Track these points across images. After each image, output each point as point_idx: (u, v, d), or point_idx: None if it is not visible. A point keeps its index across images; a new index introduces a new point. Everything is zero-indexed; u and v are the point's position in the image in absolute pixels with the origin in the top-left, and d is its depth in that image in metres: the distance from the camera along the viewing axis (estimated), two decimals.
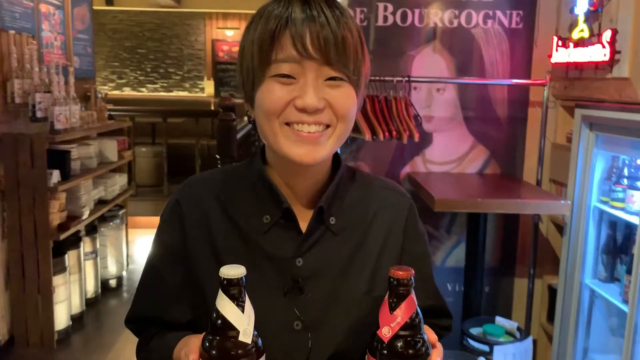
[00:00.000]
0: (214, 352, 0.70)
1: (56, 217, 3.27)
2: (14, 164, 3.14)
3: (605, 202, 2.37)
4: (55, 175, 3.22)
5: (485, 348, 2.42)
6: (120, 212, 4.32)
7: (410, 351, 0.73)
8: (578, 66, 2.49)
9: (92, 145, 3.82)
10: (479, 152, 2.88)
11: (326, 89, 0.85)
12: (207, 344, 0.71)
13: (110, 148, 4.10)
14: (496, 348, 2.39)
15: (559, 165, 2.74)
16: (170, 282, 0.95)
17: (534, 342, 2.73)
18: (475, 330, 2.55)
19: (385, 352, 0.73)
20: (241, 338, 0.70)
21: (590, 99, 2.43)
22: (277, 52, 0.83)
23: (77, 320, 3.59)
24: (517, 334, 2.54)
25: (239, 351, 0.70)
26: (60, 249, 3.36)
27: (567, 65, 2.57)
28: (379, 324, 0.75)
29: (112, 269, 4.22)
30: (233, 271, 0.70)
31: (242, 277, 0.71)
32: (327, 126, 0.87)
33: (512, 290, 2.99)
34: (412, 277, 0.74)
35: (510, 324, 2.58)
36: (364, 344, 0.86)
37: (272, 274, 0.90)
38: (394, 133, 2.48)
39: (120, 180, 4.30)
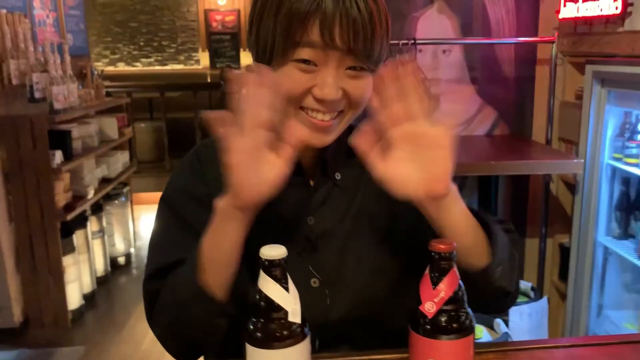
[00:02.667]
0: (263, 335, 0.68)
1: (61, 197, 3.24)
2: (16, 146, 3.10)
3: (618, 159, 2.34)
4: (58, 156, 3.19)
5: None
6: (125, 190, 4.30)
7: (455, 325, 0.72)
8: (587, 21, 2.43)
9: (92, 123, 3.77)
10: (487, 113, 2.85)
11: (346, 78, 0.84)
12: (253, 327, 0.69)
13: (110, 126, 4.05)
14: (511, 309, 2.40)
15: (568, 123, 2.70)
16: (195, 221, 0.89)
17: (547, 300, 2.74)
18: None
19: (429, 327, 0.72)
20: (290, 318, 0.69)
21: (601, 54, 2.37)
22: (302, 35, 0.80)
23: (89, 299, 3.61)
24: (532, 294, 2.55)
25: (291, 331, 0.69)
26: (68, 230, 3.35)
27: (576, 21, 2.51)
28: (419, 298, 0.73)
29: (119, 246, 4.22)
30: (274, 252, 0.68)
31: (283, 257, 0.68)
32: (339, 111, 0.87)
33: (523, 250, 2.99)
34: (454, 251, 0.72)
35: (524, 284, 2.59)
36: (382, 295, 0.93)
37: (284, 233, 0.88)
38: None
39: (122, 158, 4.26)
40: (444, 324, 0.72)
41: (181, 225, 0.93)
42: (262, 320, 0.69)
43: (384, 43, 0.86)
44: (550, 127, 2.75)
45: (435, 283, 0.72)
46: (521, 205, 2.96)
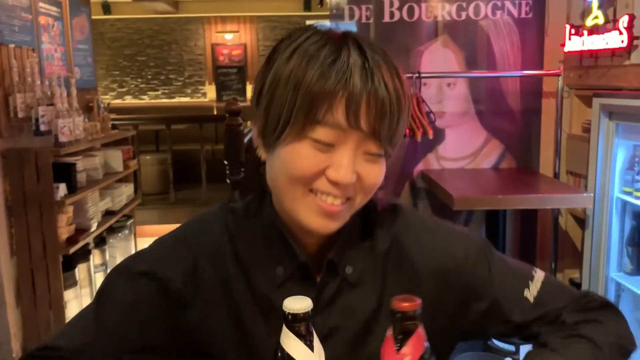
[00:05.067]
0: None
1: (64, 231, 3.21)
2: (20, 179, 3.08)
3: (628, 193, 2.30)
4: (62, 189, 3.17)
5: (511, 348, 2.35)
6: (129, 222, 4.26)
7: None
8: (593, 54, 2.42)
9: (97, 156, 3.76)
10: (493, 146, 2.82)
11: (362, 162, 0.76)
12: None
13: (115, 158, 4.04)
14: (522, 348, 2.33)
15: (576, 156, 2.67)
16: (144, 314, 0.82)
17: None
18: None
19: None
20: None
21: (608, 87, 2.36)
22: (325, 114, 0.72)
23: None
24: None
25: None
26: (70, 263, 3.31)
27: (581, 54, 2.51)
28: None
29: None
30: (298, 305, 0.63)
31: (308, 311, 0.63)
32: (348, 198, 0.79)
33: None
34: (419, 308, 0.64)
35: None
36: None
37: None
38: (407, 131, 2.42)
39: (126, 190, 4.24)
40: None
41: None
42: None
43: (405, 126, 0.79)
44: (558, 160, 2.72)
45: (399, 346, 0.63)
46: (530, 240, 2.91)
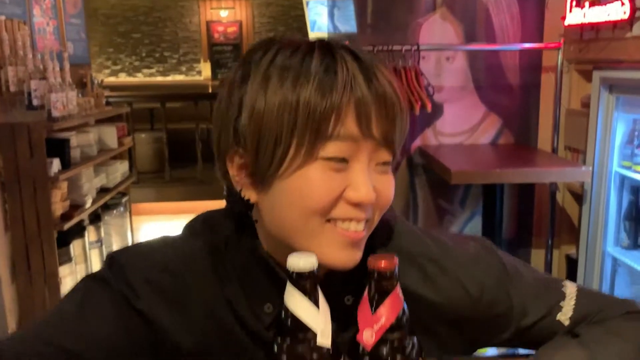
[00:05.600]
0: (288, 358, 0.60)
1: (59, 206, 3.19)
2: (13, 154, 3.04)
3: (627, 167, 2.29)
4: (56, 164, 3.14)
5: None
6: (124, 200, 4.24)
7: (399, 358, 0.60)
8: (594, 27, 2.39)
9: (91, 132, 3.71)
10: (491, 121, 2.80)
11: (375, 175, 0.69)
12: (278, 349, 0.61)
13: (110, 135, 4.00)
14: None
15: (575, 131, 2.65)
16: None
17: None
18: None
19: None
20: (319, 340, 0.59)
21: (609, 60, 2.33)
22: (335, 126, 0.64)
23: None
24: None
25: (320, 355, 0.59)
26: (65, 239, 3.29)
27: (582, 27, 2.47)
28: (357, 326, 0.62)
29: None
30: (303, 262, 0.59)
31: (314, 269, 0.60)
32: (367, 220, 0.70)
33: (529, 262, 2.92)
34: (396, 267, 0.61)
35: None
36: None
37: None
38: (406, 104, 2.39)
39: (121, 168, 4.21)
40: (385, 357, 0.60)
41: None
42: (287, 341, 0.60)
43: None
44: (557, 136, 2.70)
45: (374, 307, 0.60)
46: (527, 216, 2.90)
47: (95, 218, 3.80)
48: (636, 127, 2.28)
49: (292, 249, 0.66)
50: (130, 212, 4.48)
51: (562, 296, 0.80)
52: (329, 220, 0.67)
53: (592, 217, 2.44)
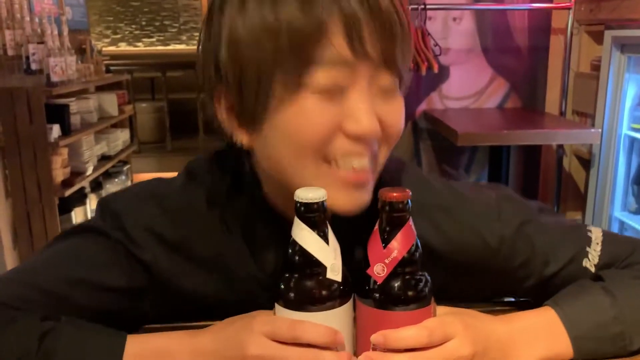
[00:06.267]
0: (296, 294, 0.57)
1: (59, 173, 3.17)
2: (12, 119, 3.01)
3: (637, 130, 2.25)
4: (56, 130, 3.10)
5: None
6: (125, 168, 4.22)
7: (411, 293, 0.58)
8: None
9: (91, 99, 3.68)
10: (498, 85, 2.75)
11: (379, 102, 0.61)
12: (285, 286, 0.58)
13: (110, 102, 3.96)
14: None
15: (583, 95, 2.60)
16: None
17: None
18: None
19: (379, 294, 0.57)
20: (329, 275, 0.57)
21: (621, 20, 2.27)
22: (322, 49, 0.57)
23: None
24: None
25: (330, 291, 0.57)
26: (66, 206, 3.28)
27: None
28: (367, 260, 0.58)
29: None
30: (311, 194, 0.56)
31: (323, 201, 0.56)
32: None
33: None
34: (409, 199, 0.57)
35: None
36: None
37: None
38: (412, 65, 2.34)
39: (122, 136, 4.17)
40: (397, 291, 0.57)
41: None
42: (295, 277, 0.58)
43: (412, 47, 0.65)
44: (565, 100, 2.65)
45: (386, 241, 0.57)
46: (533, 182, 2.87)
47: (97, 186, 3.79)
48: None
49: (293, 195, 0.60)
50: (132, 181, 4.46)
51: (588, 241, 0.74)
52: (328, 161, 0.62)
53: (600, 181, 2.41)
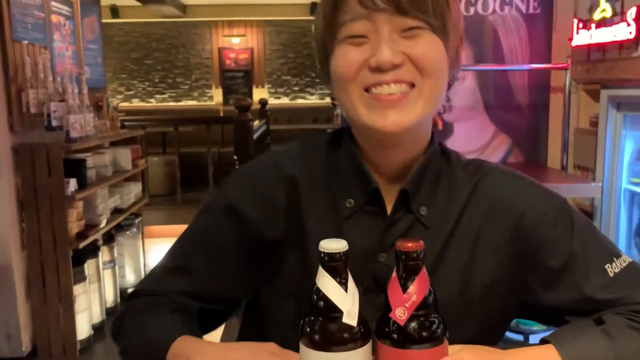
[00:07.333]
0: (315, 335, 0.64)
1: (74, 225, 3.23)
2: (31, 173, 3.11)
3: (636, 184, 2.32)
4: (73, 184, 3.20)
5: (520, 338, 2.36)
6: (137, 221, 4.28)
7: (429, 333, 0.65)
8: (601, 47, 2.44)
9: (107, 153, 3.79)
10: (501, 140, 2.84)
11: (403, 41, 0.75)
12: (307, 328, 0.65)
13: (125, 156, 4.08)
14: (532, 337, 2.33)
15: (583, 150, 2.69)
16: (229, 252, 0.88)
17: None
18: None
19: (401, 336, 0.64)
20: (345, 320, 0.63)
21: (616, 80, 2.38)
22: (342, 14, 0.77)
23: (98, 329, 3.55)
24: None
25: (343, 335, 0.63)
26: (79, 259, 3.33)
27: (589, 47, 2.53)
28: (388, 305, 0.65)
29: (130, 278, 4.18)
30: (334, 245, 0.63)
31: (344, 252, 0.64)
32: (412, 85, 0.75)
33: None
34: (422, 249, 0.65)
35: None
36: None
37: (350, 267, 0.71)
38: None
39: (135, 189, 4.26)
40: (417, 332, 0.64)
41: (220, 242, 0.90)
42: (314, 318, 0.64)
43: None
44: (566, 154, 2.73)
45: (405, 287, 0.65)
46: None
47: (109, 238, 3.85)
48: None
49: (358, 126, 0.80)
50: (142, 234, 4.52)
51: (618, 256, 0.82)
52: (366, 90, 0.77)
53: None
